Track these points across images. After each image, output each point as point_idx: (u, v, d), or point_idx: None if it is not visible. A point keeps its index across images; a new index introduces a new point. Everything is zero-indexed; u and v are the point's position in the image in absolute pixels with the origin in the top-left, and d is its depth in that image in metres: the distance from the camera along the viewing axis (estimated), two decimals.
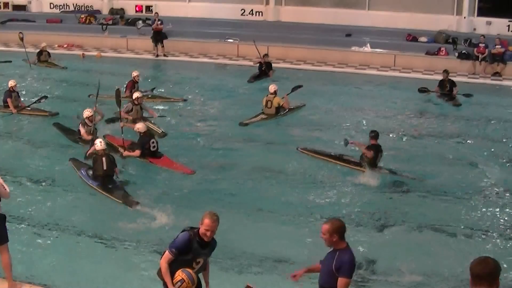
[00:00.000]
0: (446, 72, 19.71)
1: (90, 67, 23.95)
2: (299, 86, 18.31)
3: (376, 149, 13.29)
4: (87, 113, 14.66)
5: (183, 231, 6.83)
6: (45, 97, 17.80)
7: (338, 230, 6.54)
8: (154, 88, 19.95)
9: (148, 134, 13.80)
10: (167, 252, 6.77)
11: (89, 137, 14.15)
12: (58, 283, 9.00)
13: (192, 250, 6.72)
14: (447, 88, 19.44)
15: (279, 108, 17.12)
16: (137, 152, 13.63)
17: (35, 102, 17.57)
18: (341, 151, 14.28)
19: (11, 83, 17.31)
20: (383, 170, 13.38)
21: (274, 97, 17.07)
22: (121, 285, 9.10)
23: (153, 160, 13.70)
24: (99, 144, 12.40)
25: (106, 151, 12.51)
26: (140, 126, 13.78)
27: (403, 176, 13.35)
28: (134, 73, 18.34)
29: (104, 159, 12.26)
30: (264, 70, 22.07)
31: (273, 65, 22.51)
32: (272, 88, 17.24)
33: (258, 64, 22.49)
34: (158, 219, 11.13)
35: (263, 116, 17.08)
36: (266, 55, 22.65)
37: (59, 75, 22.66)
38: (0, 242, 8.33)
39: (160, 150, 13.97)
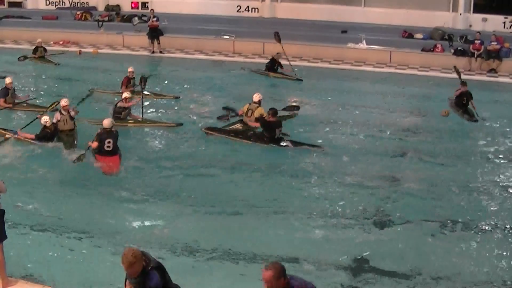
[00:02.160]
0: (464, 84, 17.99)
1: (87, 64, 23.94)
2: (295, 107, 17.54)
3: (274, 125, 14.51)
4: (63, 102, 14.84)
5: None
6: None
7: (284, 271, 6.02)
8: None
9: (107, 132, 13.63)
10: None
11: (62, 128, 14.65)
12: (52, 280, 8.98)
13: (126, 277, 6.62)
14: (464, 101, 17.77)
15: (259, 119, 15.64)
16: (95, 144, 13.64)
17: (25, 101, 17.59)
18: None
19: (8, 80, 17.25)
20: (286, 141, 14.59)
21: (258, 107, 15.72)
22: (115, 283, 9.08)
23: (100, 158, 13.67)
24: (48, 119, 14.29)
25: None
26: (105, 122, 13.75)
27: (305, 146, 14.44)
28: (129, 69, 18.44)
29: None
30: (275, 67, 21.96)
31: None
32: (256, 97, 15.91)
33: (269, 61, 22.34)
34: (150, 218, 11.23)
35: (240, 126, 15.88)
36: (279, 53, 22.23)
37: (56, 72, 22.65)
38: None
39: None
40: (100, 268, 9.46)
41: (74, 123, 14.98)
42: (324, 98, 19.48)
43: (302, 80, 21.41)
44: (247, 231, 10.71)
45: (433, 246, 10.41)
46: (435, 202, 12.13)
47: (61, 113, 14.78)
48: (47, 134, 14.34)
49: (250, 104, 16.02)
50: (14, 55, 24.36)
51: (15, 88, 17.77)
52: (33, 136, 14.40)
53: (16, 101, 17.39)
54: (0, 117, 16.50)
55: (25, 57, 23.69)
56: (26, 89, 19.85)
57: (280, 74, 21.96)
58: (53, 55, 24.22)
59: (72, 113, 14.97)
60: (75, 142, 14.51)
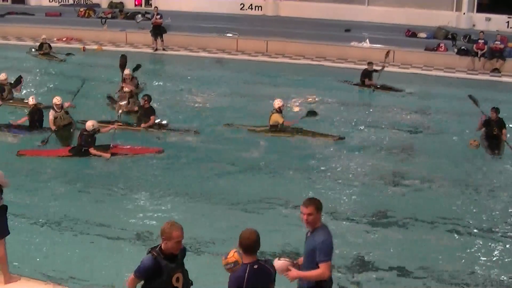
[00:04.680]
0: (495, 110, 15.05)
1: (91, 61, 23.93)
2: (314, 113, 16.38)
3: (150, 111, 15.61)
4: (54, 100, 15.01)
5: (148, 253, 6.25)
6: (20, 77, 18.28)
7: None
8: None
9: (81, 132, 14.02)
10: (132, 275, 6.28)
11: (53, 127, 14.85)
12: (54, 277, 8.95)
13: (163, 271, 6.15)
14: (494, 132, 14.93)
15: (276, 126, 15.34)
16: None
17: (13, 83, 17.70)
18: None
19: (2, 77, 17.32)
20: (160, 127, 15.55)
21: (274, 113, 15.42)
22: (117, 279, 9.05)
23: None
24: (32, 100, 15.10)
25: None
26: (88, 123, 13.88)
27: (179, 132, 15.15)
28: (125, 72, 17.98)
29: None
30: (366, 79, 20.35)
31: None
32: (275, 103, 15.47)
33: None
34: (149, 210, 11.29)
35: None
36: (370, 63, 20.71)
37: (59, 68, 22.74)
38: (0, 235, 8.28)
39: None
40: (102, 265, 9.46)
41: (70, 117, 15.19)
42: (326, 96, 19.45)
43: (403, 90, 20.09)
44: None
45: (437, 247, 10.39)
46: (439, 202, 12.11)
47: (55, 111, 14.94)
48: (32, 114, 15.04)
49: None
50: (18, 51, 24.41)
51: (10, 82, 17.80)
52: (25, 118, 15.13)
53: (16, 94, 17.54)
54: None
55: (35, 49, 23.81)
56: (30, 85, 19.94)
57: (382, 87, 20.16)
58: (59, 53, 24.21)
59: (66, 104, 15.29)
60: (71, 137, 14.71)
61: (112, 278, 9.01)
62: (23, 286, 8.50)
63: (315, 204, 6.45)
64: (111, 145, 13.88)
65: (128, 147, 14.23)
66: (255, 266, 6.00)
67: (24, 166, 13.23)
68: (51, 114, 14.91)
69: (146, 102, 15.68)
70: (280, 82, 21.37)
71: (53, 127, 14.79)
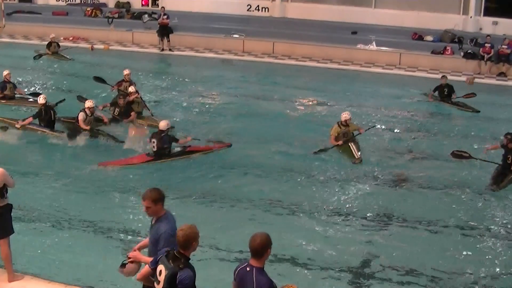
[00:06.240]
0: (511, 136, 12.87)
1: (98, 60, 23.94)
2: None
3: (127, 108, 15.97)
4: (88, 103, 14.99)
5: (179, 268, 5.98)
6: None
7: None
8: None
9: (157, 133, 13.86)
10: None
11: (86, 127, 14.80)
12: (58, 276, 8.92)
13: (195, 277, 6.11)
14: (508, 160, 12.87)
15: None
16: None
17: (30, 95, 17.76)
18: None
19: (5, 73, 17.33)
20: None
21: (334, 125, 14.88)
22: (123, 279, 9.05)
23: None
24: (42, 99, 15.01)
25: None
26: (162, 124, 13.79)
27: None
28: (125, 72, 17.90)
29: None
30: (448, 94, 19.02)
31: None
32: (342, 116, 14.77)
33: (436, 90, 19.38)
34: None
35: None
36: (444, 76, 19.58)
37: (65, 67, 22.80)
38: (5, 234, 8.28)
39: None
40: (110, 265, 9.43)
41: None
42: (332, 99, 19.47)
43: (479, 111, 18.50)
44: (256, 229, 10.70)
45: (441, 248, 10.41)
46: (445, 204, 12.13)
47: (86, 114, 14.88)
48: (42, 113, 14.89)
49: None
50: (25, 50, 24.45)
51: (16, 82, 17.78)
52: (30, 119, 14.98)
53: (17, 95, 17.58)
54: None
55: (40, 56, 23.78)
56: (37, 83, 20.03)
57: (457, 105, 18.90)
58: (66, 49, 24.29)
59: (100, 107, 15.80)
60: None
61: (118, 282, 9.03)
62: (26, 284, 8.48)
63: (151, 197, 6.61)
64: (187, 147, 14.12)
65: (201, 146, 14.39)
66: (248, 269, 6.04)
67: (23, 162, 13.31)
68: (81, 115, 14.79)
69: (121, 99, 16.09)
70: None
71: (86, 127, 14.76)
